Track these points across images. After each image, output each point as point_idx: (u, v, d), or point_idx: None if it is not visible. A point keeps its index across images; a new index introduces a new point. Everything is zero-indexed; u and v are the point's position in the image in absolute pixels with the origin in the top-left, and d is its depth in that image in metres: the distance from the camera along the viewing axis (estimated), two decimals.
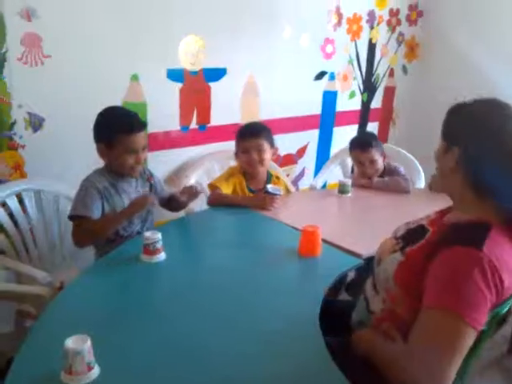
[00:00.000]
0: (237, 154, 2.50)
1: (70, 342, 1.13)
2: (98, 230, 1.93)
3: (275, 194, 2.28)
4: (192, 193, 2.19)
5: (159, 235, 1.74)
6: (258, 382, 1.18)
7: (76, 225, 1.94)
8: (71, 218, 1.95)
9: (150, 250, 1.73)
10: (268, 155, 2.44)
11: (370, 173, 2.71)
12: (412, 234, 1.36)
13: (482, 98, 1.27)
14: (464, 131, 1.26)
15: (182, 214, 2.53)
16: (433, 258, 1.19)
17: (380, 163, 2.72)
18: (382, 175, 2.75)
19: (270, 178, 2.51)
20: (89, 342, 1.13)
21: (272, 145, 2.48)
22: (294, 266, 1.79)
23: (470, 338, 1.11)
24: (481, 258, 1.12)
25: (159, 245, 1.74)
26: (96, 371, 1.15)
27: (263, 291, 1.59)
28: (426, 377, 1.09)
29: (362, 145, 2.75)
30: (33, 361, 1.21)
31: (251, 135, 2.43)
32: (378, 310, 1.34)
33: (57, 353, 1.14)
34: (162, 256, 1.75)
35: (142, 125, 2.00)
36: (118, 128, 1.92)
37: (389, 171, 2.75)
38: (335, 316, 1.47)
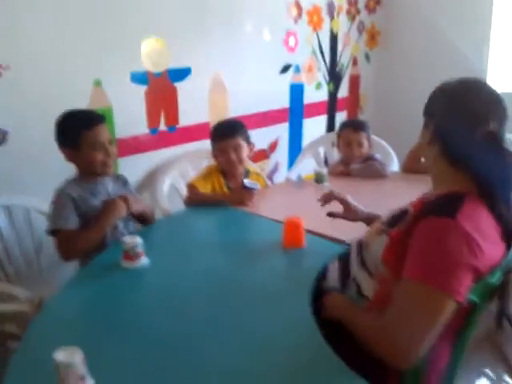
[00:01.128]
0: (214, 154, 2.43)
1: (61, 356, 1.07)
2: (82, 243, 1.87)
3: (253, 189, 2.25)
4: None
5: (138, 239, 1.69)
6: (256, 377, 1.16)
7: (58, 239, 1.88)
8: (51, 232, 1.89)
9: (130, 255, 1.67)
10: (245, 153, 2.39)
11: (355, 155, 2.73)
12: (396, 218, 1.37)
13: (461, 78, 1.31)
14: (437, 105, 1.31)
15: (159, 216, 2.49)
16: (412, 233, 1.20)
17: (365, 149, 2.75)
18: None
19: (247, 173, 2.46)
20: (80, 354, 1.08)
21: (248, 141, 2.43)
22: (280, 259, 1.76)
23: (446, 309, 1.11)
24: (454, 227, 1.13)
25: (139, 249, 1.69)
26: None
27: (251, 288, 1.55)
28: (396, 349, 1.12)
29: (355, 125, 2.82)
30: (21, 381, 1.15)
31: (226, 135, 2.37)
32: (371, 294, 1.33)
33: (47, 369, 1.08)
34: (143, 260, 1.70)
35: (101, 117, 1.96)
36: (77, 127, 1.89)
37: (365, 159, 2.76)
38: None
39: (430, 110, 1.33)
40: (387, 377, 1.22)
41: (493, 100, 1.26)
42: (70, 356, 1.07)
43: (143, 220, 2.15)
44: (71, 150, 1.92)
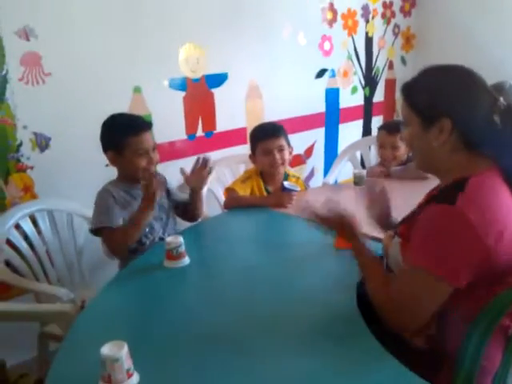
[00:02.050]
0: (254, 157, 2.42)
1: (107, 349, 1.07)
2: (126, 237, 1.88)
3: (292, 190, 2.23)
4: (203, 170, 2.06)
5: (181, 239, 1.70)
6: (306, 372, 1.13)
7: (104, 236, 1.90)
8: (96, 230, 1.92)
9: (173, 255, 1.69)
10: (288, 154, 2.38)
11: (390, 158, 2.68)
12: (404, 218, 1.41)
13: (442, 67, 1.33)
14: (446, 99, 1.25)
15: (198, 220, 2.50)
16: (416, 223, 1.24)
17: (402, 151, 2.68)
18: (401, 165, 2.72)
19: (286, 177, 2.45)
20: (126, 348, 1.08)
21: (289, 144, 2.42)
22: (326, 260, 1.74)
23: (441, 292, 1.15)
24: (454, 213, 1.13)
25: (182, 249, 1.70)
26: (136, 378, 1.10)
27: (293, 286, 1.54)
28: (398, 319, 1.22)
29: (390, 128, 2.75)
30: (67, 375, 1.16)
31: (271, 135, 2.36)
32: None
33: (91, 364, 1.09)
34: (185, 261, 1.71)
35: (148, 124, 1.98)
36: (124, 131, 1.91)
37: (405, 161, 2.71)
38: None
39: (439, 107, 1.25)
40: (439, 379, 1.18)
41: (483, 78, 1.27)
42: (116, 350, 1.08)
43: (189, 214, 2.17)
44: (114, 153, 1.94)
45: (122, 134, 1.90)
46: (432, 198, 1.27)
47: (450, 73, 1.29)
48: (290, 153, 2.43)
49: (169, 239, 1.70)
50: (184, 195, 2.21)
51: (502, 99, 1.21)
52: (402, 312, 1.21)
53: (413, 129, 1.30)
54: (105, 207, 1.90)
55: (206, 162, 2.06)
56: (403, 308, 1.21)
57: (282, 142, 2.35)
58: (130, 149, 1.90)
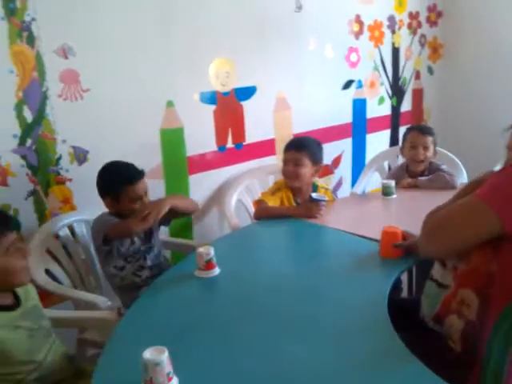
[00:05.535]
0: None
1: (148, 354, 1.14)
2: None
3: (321, 201, 2.27)
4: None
5: (212, 250, 1.76)
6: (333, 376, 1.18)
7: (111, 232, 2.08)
8: (104, 241, 2.09)
9: (204, 265, 1.74)
10: (306, 170, 2.40)
11: (420, 158, 2.72)
12: None
13: None
14: None
15: (227, 230, 2.56)
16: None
17: (431, 153, 2.74)
18: (425, 174, 2.74)
19: (315, 188, 2.49)
20: (166, 353, 1.14)
21: (315, 161, 2.44)
22: (361, 269, 1.78)
23: (485, 224, 1.19)
24: None
25: (213, 260, 1.76)
26: (175, 382, 1.16)
27: (331, 296, 1.58)
28: (430, 241, 1.32)
29: (422, 128, 2.85)
30: (110, 379, 1.23)
31: (291, 148, 2.44)
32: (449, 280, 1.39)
33: (132, 369, 1.15)
34: (216, 271, 1.76)
35: (141, 173, 2.13)
36: (120, 181, 2.07)
37: (432, 169, 2.74)
38: (401, 314, 1.46)
39: None
40: (467, 378, 1.21)
41: None
42: (157, 354, 1.14)
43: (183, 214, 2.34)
44: (111, 199, 2.11)
45: (119, 183, 2.07)
46: None
47: None
48: (317, 170, 2.46)
49: (200, 250, 1.75)
50: None
51: None
52: (441, 231, 1.27)
53: None
54: (102, 222, 2.10)
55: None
56: (445, 226, 1.27)
57: (301, 156, 2.39)
58: (126, 196, 2.08)
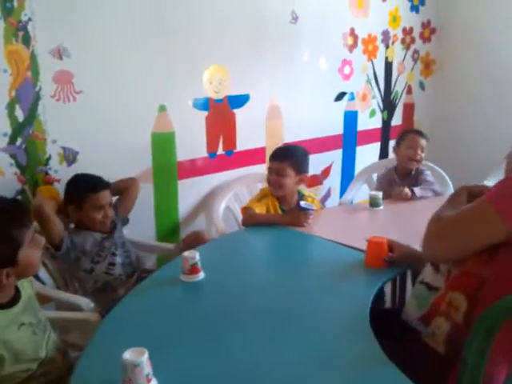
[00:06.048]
0: None
1: (128, 355, 1.14)
2: None
3: (309, 209, 2.29)
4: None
5: (197, 254, 1.76)
6: None
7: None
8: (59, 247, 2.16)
9: (188, 269, 1.75)
10: (289, 180, 2.41)
11: (416, 158, 2.90)
12: None
13: None
14: None
15: (215, 236, 2.57)
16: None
17: (423, 156, 2.94)
18: (412, 174, 2.95)
19: (302, 197, 2.50)
20: (146, 354, 1.15)
21: (299, 171, 2.44)
22: (345, 277, 1.79)
23: (490, 225, 1.23)
24: None
25: (198, 264, 1.76)
26: (154, 383, 1.16)
27: (314, 302, 1.60)
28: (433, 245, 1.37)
29: (418, 131, 3.07)
30: (89, 379, 1.23)
31: (275, 158, 2.46)
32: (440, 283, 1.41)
33: (112, 370, 1.16)
34: (201, 275, 1.77)
35: (106, 184, 2.24)
36: (85, 188, 2.19)
37: (417, 171, 2.95)
38: (383, 321, 1.48)
39: None
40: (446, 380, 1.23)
41: None
42: (137, 356, 1.14)
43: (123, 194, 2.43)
44: (75, 207, 2.21)
45: (84, 190, 2.19)
46: None
47: None
48: (301, 179, 2.47)
49: (185, 254, 1.76)
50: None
51: None
52: (452, 234, 1.31)
53: None
54: None
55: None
56: (448, 230, 1.32)
57: (283, 166, 2.40)
58: (89, 204, 2.18)
